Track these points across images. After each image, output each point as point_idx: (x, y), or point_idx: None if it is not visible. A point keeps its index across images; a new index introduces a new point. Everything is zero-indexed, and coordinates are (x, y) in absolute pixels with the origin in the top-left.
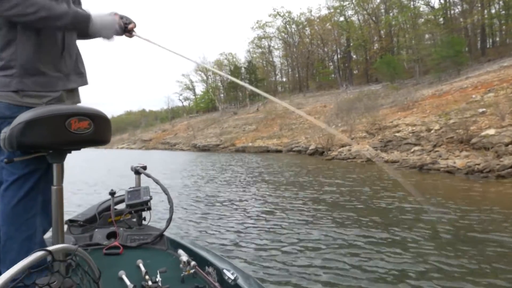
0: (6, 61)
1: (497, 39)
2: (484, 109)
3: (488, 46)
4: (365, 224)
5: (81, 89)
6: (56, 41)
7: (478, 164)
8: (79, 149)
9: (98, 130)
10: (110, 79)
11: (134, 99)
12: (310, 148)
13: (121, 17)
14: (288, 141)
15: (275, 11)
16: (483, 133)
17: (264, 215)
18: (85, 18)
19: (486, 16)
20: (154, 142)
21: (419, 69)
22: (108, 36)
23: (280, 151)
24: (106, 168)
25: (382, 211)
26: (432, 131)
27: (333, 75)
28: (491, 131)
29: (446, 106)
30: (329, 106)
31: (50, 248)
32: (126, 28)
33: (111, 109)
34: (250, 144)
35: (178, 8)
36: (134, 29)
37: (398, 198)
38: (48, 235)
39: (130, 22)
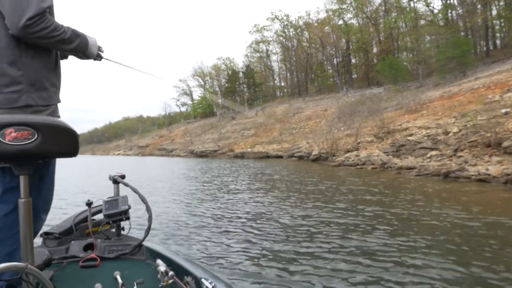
0: (12, 78)
1: (498, 41)
2: (507, 110)
3: (490, 48)
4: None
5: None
6: (52, 58)
7: None
8: (36, 160)
9: (47, 141)
10: (108, 86)
11: (132, 105)
12: (313, 153)
13: None
14: (288, 146)
15: (273, 14)
16: None
17: (255, 226)
18: (86, 41)
19: (490, 17)
20: (150, 148)
21: (422, 71)
22: (93, 55)
23: (281, 157)
24: (90, 177)
25: (418, 228)
26: (451, 134)
27: (332, 79)
28: None
29: (460, 108)
30: (330, 109)
31: None
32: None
33: (109, 116)
34: (249, 149)
35: (175, 13)
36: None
37: (435, 213)
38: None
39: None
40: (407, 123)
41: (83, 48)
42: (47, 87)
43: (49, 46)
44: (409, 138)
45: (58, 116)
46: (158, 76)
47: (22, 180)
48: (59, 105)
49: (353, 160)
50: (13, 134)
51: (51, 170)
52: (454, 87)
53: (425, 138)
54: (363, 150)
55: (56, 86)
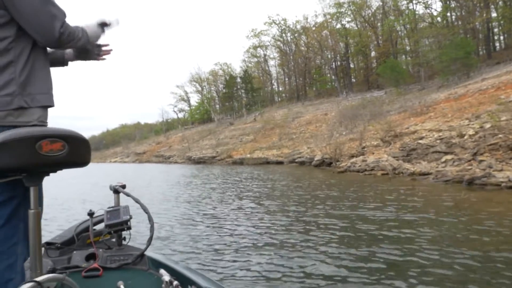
0: (5, 82)
1: (497, 44)
2: None
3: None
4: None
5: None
6: (45, 61)
7: None
8: (54, 171)
9: (73, 152)
10: (104, 93)
11: (129, 112)
12: (315, 158)
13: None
14: (289, 152)
15: (270, 19)
16: None
17: (259, 235)
18: (87, 34)
19: (491, 18)
20: (148, 155)
21: (424, 73)
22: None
23: (281, 163)
24: (91, 185)
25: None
26: (466, 137)
27: (331, 83)
28: None
29: (472, 109)
30: (331, 113)
31: (38, 279)
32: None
33: (106, 123)
34: (249, 155)
35: (172, 19)
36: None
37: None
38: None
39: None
40: (415, 126)
41: (86, 43)
42: (40, 89)
43: (74, 47)
44: (420, 141)
45: (46, 123)
46: None
47: (33, 191)
48: (57, 112)
49: (360, 166)
50: (49, 146)
51: None
52: (460, 88)
53: (438, 141)
54: (370, 155)
55: (49, 88)
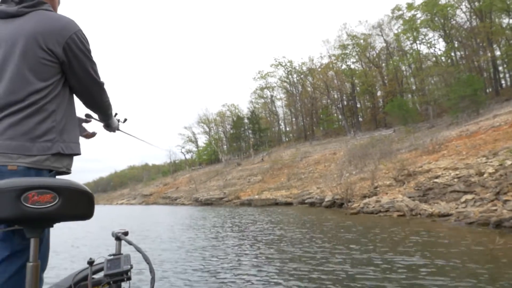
0: (47, 129)
1: (503, 81)
2: None
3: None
4: None
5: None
6: (75, 113)
7: None
8: (50, 224)
9: (67, 204)
10: (113, 135)
11: (137, 153)
12: (326, 199)
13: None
14: (298, 192)
15: (276, 61)
16: None
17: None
18: None
19: (497, 56)
20: (154, 196)
21: (432, 111)
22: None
23: (290, 204)
24: (96, 231)
25: None
26: (486, 175)
27: (338, 122)
28: None
29: (487, 146)
30: (339, 153)
31: None
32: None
33: (114, 164)
34: (257, 196)
35: (180, 62)
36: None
37: None
38: None
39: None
40: (429, 164)
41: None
42: (72, 138)
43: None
44: (436, 180)
45: (70, 170)
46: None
47: (33, 243)
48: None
49: (373, 207)
50: (36, 198)
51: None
52: (471, 125)
53: (455, 180)
54: (383, 195)
55: (77, 138)
